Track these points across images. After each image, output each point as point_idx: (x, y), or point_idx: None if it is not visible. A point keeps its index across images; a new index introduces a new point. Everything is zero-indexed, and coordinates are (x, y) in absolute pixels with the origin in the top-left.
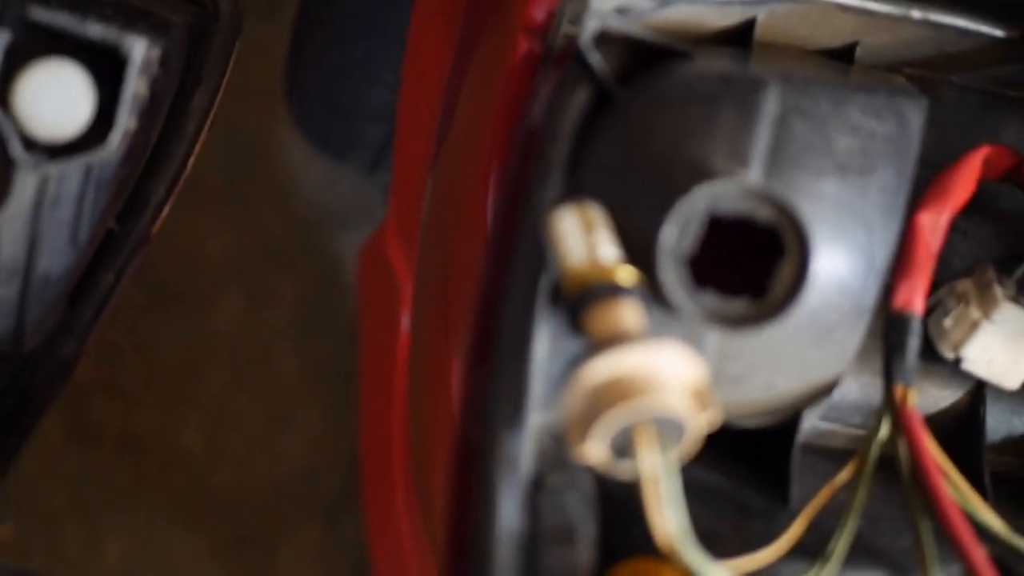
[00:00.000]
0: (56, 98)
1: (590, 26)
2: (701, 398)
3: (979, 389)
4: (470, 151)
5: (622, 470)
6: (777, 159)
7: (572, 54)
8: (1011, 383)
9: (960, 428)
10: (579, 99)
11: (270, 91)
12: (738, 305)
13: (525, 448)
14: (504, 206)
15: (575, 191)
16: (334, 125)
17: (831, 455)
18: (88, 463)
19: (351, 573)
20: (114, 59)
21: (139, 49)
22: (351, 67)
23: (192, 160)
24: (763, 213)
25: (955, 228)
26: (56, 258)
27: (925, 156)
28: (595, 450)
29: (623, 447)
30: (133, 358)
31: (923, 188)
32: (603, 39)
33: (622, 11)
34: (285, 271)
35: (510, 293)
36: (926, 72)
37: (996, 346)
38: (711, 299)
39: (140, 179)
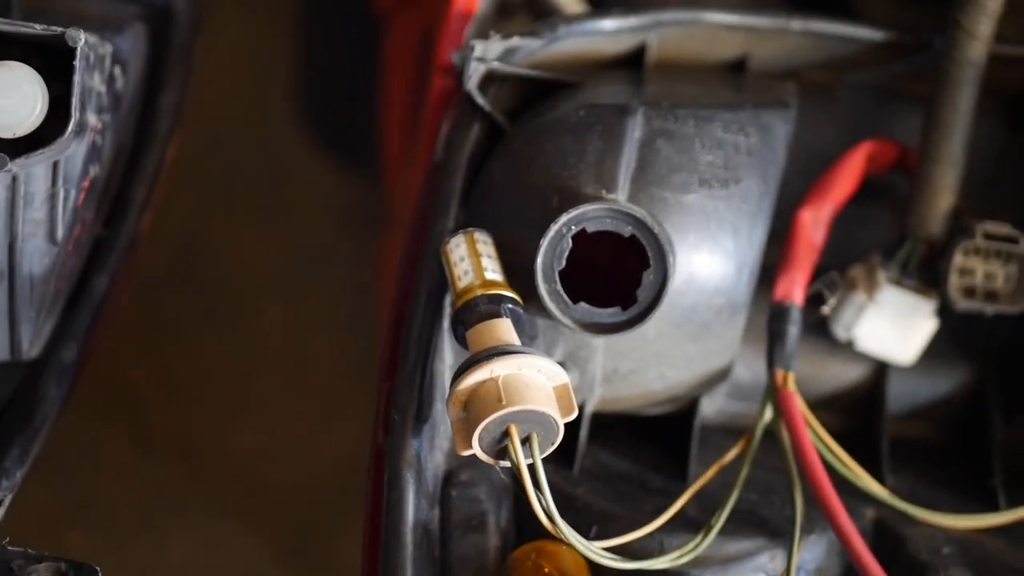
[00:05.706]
0: (7, 97)
1: (475, 71)
2: (565, 402)
3: (883, 365)
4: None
5: (503, 464)
6: (643, 178)
7: (465, 95)
8: (904, 359)
9: (865, 400)
10: (472, 136)
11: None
12: (608, 313)
13: (429, 451)
14: (411, 234)
15: (471, 216)
16: (346, 127)
17: (742, 434)
18: (150, 470)
19: None
20: (69, 60)
21: (81, 40)
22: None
23: (168, 161)
24: (626, 230)
25: (855, 218)
26: (37, 258)
27: (825, 153)
28: (478, 451)
29: (501, 447)
30: (183, 367)
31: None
32: (496, 78)
33: (511, 51)
34: (322, 273)
35: (414, 314)
36: (822, 74)
37: (884, 326)
38: (584, 311)
39: (120, 183)
